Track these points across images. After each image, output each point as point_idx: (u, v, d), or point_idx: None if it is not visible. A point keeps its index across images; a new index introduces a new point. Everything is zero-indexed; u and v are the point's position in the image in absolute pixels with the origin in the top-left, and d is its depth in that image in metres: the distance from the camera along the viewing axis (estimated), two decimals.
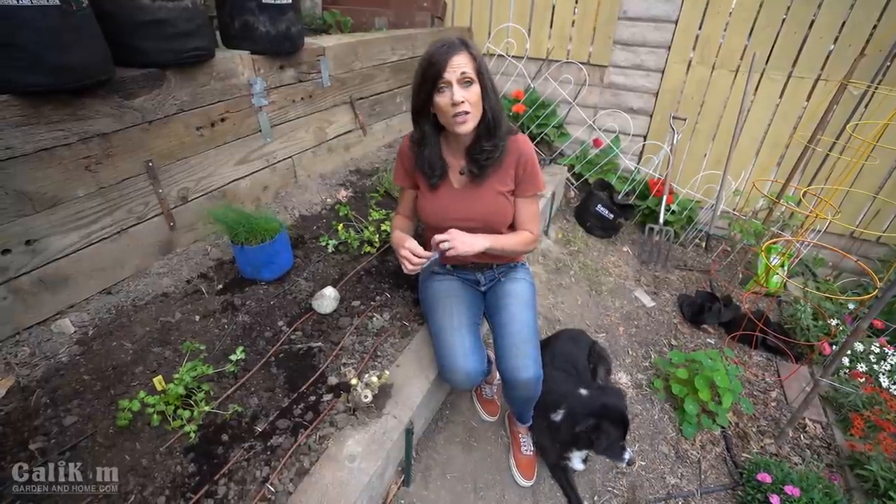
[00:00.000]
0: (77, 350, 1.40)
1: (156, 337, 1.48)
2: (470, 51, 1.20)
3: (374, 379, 1.30)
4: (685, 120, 3.06)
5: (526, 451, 1.65)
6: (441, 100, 1.22)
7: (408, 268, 1.34)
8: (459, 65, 1.17)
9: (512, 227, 1.48)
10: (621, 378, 2.11)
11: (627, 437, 1.52)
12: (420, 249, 1.33)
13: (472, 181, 1.38)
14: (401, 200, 1.58)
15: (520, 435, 1.67)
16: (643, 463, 1.78)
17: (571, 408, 1.51)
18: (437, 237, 1.29)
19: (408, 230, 1.55)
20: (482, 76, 1.22)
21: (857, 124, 2.61)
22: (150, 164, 1.62)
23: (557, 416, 1.53)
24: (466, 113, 1.21)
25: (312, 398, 1.36)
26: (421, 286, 1.62)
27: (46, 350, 1.38)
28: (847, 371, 2.16)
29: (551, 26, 3.28)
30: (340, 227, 2.06)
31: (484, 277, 1.57)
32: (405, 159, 1.45)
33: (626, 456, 1.46)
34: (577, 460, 1.57)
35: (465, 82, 1.19)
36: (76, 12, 1.23)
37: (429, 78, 1.20)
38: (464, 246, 1.28)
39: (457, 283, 1.56)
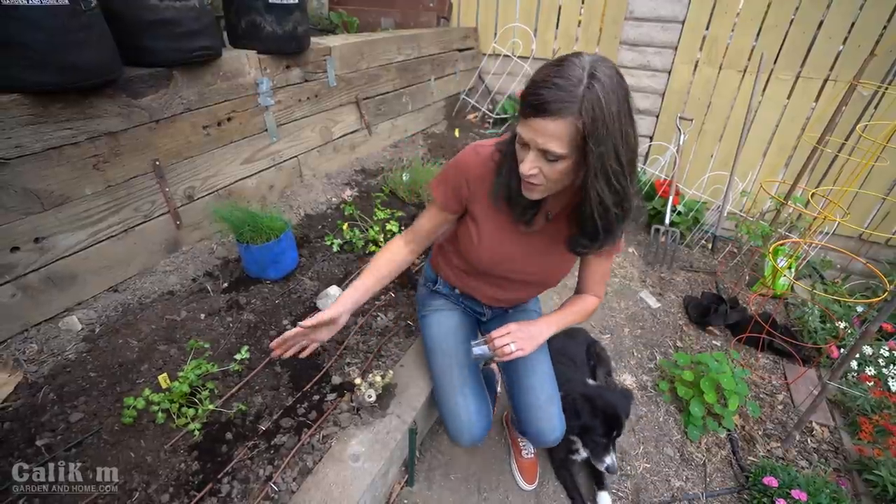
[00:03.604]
0: (84, 347, 1.41)
1: (161, 335, 1.48)
2: (574, 118, 0.78)
3: (378, 378, 1.30)
4: (692, 120, 3.04)
5: (527, 454, 1.63)
6: (517, 151, 0.92)
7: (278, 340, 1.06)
8: (544, 133, 0.80)
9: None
10: (626, 380, 2.10)
11: (615, 438, 1.42)
12: (314, 321, 1.04)
13: (548, 229, 1.11)
14: (419, 218, 1.21)
15: (519, 440, 1.65)
16: (647, 465, 1.76)
17: (568, 392, 1.45)
18: (495, 336, 1.07)
19: (389, 270, 1.19)
20: (586, 153, 0.81)
21: (866, 125, 2.58)
22: (157, 162, 1.63)
23: None
24: (535, 184, 0.91)
25: (316, 397, 1.36)
26: (420, 304, 1.49)
27: (54, 347, 1.39)
28: (855, 374, 2.13)
29: (557, 26, 3.27)
30: (345, 226, 2.06)
31: (491, 312, 1.43)
32: (471, 175, 1.07)
33: (607, 460, 1.37)
34: (585, 453, 1.54)
35: (549, 159, 0.85)
36: (85, 12, 1.24)
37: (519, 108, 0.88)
38: (532, 347, 1.09)
39: (457, 316, 1.40)
